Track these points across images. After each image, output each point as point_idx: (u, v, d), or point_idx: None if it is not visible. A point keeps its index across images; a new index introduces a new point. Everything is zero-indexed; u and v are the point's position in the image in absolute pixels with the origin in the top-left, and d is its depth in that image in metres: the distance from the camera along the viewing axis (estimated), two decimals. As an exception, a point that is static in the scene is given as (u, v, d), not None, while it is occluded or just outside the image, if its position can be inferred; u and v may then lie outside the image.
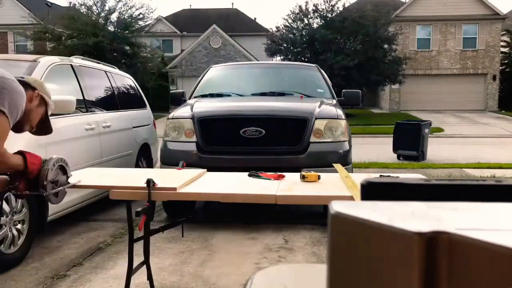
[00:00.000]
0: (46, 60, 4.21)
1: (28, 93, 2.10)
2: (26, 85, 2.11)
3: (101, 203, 4.84)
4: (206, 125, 4.38)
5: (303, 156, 4.22)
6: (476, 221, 0.40)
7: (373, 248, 0.38)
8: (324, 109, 4.57)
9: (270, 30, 25.48)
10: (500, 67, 26.85)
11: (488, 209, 0.43)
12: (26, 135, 2.41)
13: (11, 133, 2.07)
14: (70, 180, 2.33)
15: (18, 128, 2.13)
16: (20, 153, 2.09)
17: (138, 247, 2.65)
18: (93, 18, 21.96)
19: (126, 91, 6.01)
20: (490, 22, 26.06)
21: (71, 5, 22.95)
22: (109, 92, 5.44)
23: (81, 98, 4.58)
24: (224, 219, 4.75)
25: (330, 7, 22.58)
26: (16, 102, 1.95)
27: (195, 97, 5.43)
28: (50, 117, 2.32)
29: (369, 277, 0.39)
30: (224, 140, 4.36)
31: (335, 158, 4.13)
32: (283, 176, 2.58)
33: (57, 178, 2.19)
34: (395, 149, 9.28)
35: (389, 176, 2.17)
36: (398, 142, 9.18)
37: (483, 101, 26.40)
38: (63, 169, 2.26)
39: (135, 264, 2.58)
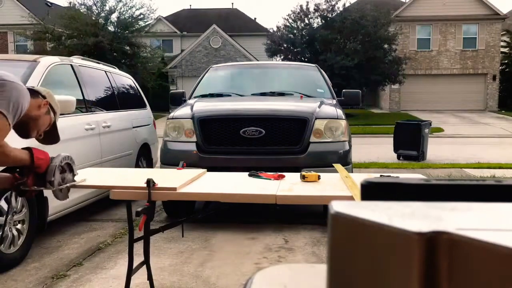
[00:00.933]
0: (46, 60, 4.21)
1: (37, 100, 2.18)
2: (36, 93, 2.20)
3: (101, 203, 4.84)
4: (206, 125, 4.38)
5: (303, 156, 4.22)
6: (476, 221, 0.40)
7: (373, 248, 0.38)
8: (324, 109, 4.57)
9: (271, 30, 25.50)
10: (500, 67, 26.84)
11: (488, 209, 0.43)
12: None
13: (14, 134, 2.11)
14: (76, 178, 2.39)
15: (25, 134, 2.21)
16: (27, 149, 2.16)
17: (138, 247, 2.65)
18: (93, 18, 21.97)
19: (126, 91, 6.02)
20: (490, 22, 26.06)
21: (71, 5, 22.95)
22: (109, 92, 5.45)
23: (81, 98, 4.58)
24: (224, 219, 4.75)
25: (331, 7, 22.59)
26: (18, 103, 1.99)
27: (195, 97, 5.43)
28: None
29: (369, 277, 0.39)
30: (224, 140, 4.36)
31: (335, 158, 4.13)
32: (283, 176, 2.58)
33: (64, 175, 2.27)
34: (395, 149, 9.29)
35: (389, 176, 2.17)
36: (398, 142, 9.18)
37: (483, 101, 26.40)
38: (70, 167, 2.32)
39: (135, 264, 2.57)
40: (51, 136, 2.36)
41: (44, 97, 2.25)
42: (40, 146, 2.35)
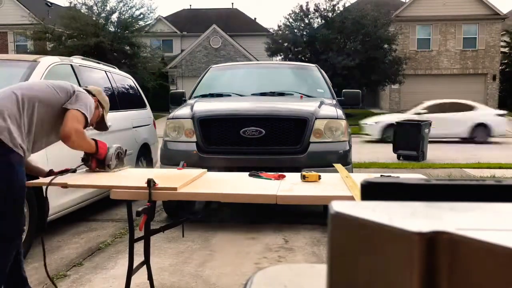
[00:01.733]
0: (46, 60, 4.21)
1: None
2: (88, 92, 2.80)
3: (101, 203, 4.84)
4: (206, 125, 4.38)
5: (303, 156, 4.22)
6: (476, 221, 0.40)
7: (373, 248, 0.38)
8: (324, 109, 4.57)
9: (271, 30, 25.50)
10: (500, 67, 26.86)
11: (488, 209, 0.43)
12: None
13: None
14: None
15: None
16: (93, 139, 2.76)
17: (139, 247, 2.65)
18: (94, 18, 21.96)
19: (126, 91, 6.01)
20: (490, 22, 26.06)
21: (72, 5, 22.95)
22: (109, 92, 5.44)
23: (81, 98, 4.58)
24: (224, 219, 4.75)
25: (331, 7, 22.61)
26: (91, 107, 2.70)
27: (195, 97, 5.43)
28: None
29: (369, 277, 0.39)
30: (224, 140, 4.36)
31: (335, 158, 4.12)
32: (283, 176, 2.58)
33: (117, 161, 2.85)
34: (395, 149, 9.28)
35: (389, 176, 2.17)
36: (398, 142, 9.18)
37: (483, 101, 26.35)
38: (121, 155, 2.90)
39: (135, 264, 2.57)
40: (101, 125, 3.05)
41: (94, 95, 2.85)
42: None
